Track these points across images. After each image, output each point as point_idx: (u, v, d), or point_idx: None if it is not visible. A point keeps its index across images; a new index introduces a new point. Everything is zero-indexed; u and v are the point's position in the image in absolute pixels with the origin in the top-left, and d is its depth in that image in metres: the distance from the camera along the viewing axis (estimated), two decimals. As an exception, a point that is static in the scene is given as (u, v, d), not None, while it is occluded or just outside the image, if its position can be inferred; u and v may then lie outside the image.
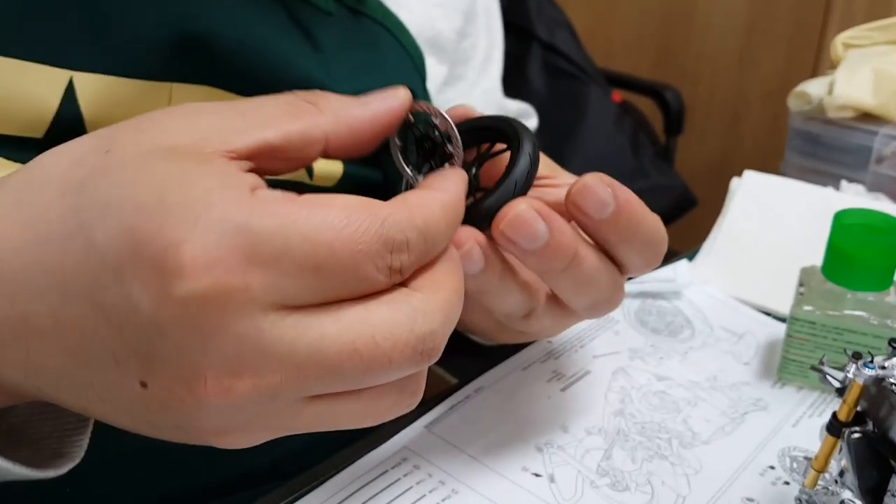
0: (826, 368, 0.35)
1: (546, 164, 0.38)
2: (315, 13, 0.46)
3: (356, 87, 0.48)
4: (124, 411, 0.25)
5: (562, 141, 1.37)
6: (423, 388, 0.27)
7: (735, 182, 0.63)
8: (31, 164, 0.26)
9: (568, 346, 0.49)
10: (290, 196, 0.24)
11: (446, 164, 0.31)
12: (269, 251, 0.23)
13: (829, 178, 0.70)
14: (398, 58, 0.50)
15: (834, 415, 0.34)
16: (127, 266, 0.23)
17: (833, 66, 0.76)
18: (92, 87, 0.39)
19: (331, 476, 0.38)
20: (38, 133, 0.39)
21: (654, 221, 0.34)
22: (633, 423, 0.43)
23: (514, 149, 0.31)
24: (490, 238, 0.31)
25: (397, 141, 0.31)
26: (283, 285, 0.23)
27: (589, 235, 0.34)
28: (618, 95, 1.48)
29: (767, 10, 1.67)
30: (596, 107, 1.40)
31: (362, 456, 0.39)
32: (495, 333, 0.43)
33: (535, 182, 0.34)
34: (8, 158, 0.39)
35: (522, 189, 0.30)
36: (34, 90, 0.38)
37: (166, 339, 0.23)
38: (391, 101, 0.29)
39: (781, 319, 0.52)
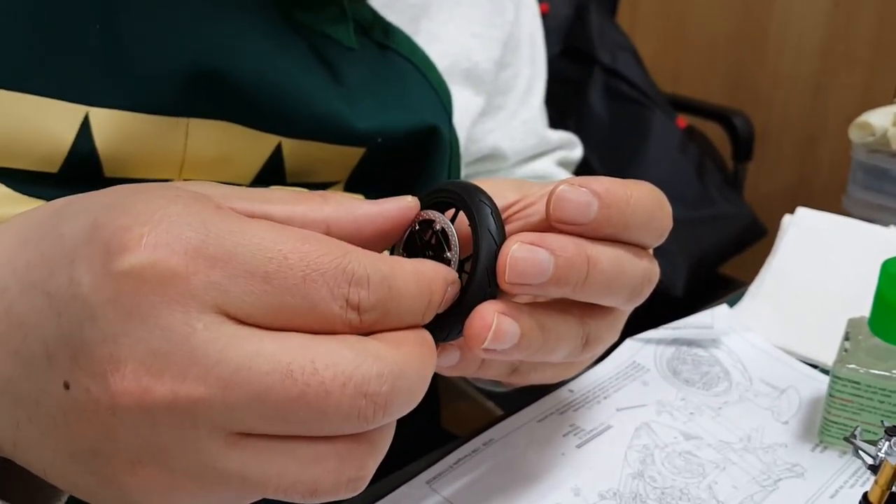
0: (858, 442, 0.31)
1: (512, 187, 0.35)
2: (338, 48, 0.45)
3: (379, 122, 0.47)
4: (46, 436, 0.24)
5: (624, 166, 1.34)
6: (371, 471, 0.24)
7: (787, 219, 0.59)
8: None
9: (591, 397, 0.46)
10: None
11: None
12: (219, 249, 0.22)
13: (894, 215, 0.65)
14: (424, 94, 0.48)
15: (865, 496, 0.31)
16: (80, 249, 0.22)
17: (903, 94, 0.71)
18: (107, 123, 0.39)
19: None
20: (53, 168, 0.39)
21: (642, 192, 0.32)
22: (653, 488, 0.39)
23: (467, 209, 0.29)
24: (507, 301, 0.29)
25: (402, 251, 0.30)
26: (228, 287, 0.22)
27: (591, 238, 0.31)
28: (683, 120, 1.43)
29: (845, 31, 1.59)
30: (659, 132, 1.36)
31: (357, 512, 0.38)
32: (555, 376, 0.40)
33: (508, 211, 0.34)
34: (24, 193, 0.39)
35: (500, 236, 0.29)
36: (50, 126, 0.38)
37: (96, 323, 0.22)
38: (398, 203, 0.29)
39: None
